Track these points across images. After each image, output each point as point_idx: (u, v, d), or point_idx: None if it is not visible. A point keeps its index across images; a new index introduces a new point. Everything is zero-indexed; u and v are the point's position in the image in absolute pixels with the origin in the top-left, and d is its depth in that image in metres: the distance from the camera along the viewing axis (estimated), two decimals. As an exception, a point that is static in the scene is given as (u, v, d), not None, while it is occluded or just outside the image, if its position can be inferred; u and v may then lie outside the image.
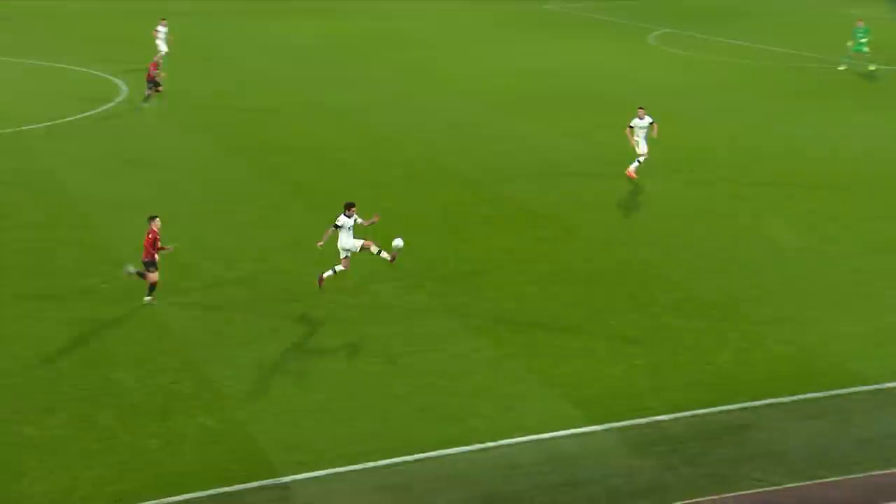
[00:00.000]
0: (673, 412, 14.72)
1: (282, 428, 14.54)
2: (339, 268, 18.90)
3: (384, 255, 18.83)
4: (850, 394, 15.10)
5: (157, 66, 34.52)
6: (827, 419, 14.52)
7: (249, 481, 13.23)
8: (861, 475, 13.11)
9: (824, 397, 15.04)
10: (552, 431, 14.36)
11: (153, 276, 18.46)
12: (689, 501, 12.70)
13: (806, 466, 13.36)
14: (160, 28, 40.96)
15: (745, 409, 14.81)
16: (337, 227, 18.69)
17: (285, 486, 13.22)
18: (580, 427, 14.47)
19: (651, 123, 25.31)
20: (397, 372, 16.22)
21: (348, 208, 18.74)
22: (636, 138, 25.40)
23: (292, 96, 36.62)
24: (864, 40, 38.89)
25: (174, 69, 37.88)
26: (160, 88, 34.12)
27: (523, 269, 20.19)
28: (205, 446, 14.05)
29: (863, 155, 27.69)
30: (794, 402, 14.93)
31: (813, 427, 14.32)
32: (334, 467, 13.57)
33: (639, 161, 25.37)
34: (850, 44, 39.82)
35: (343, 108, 35.07)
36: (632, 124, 25.56)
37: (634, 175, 25.30)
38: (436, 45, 48.65)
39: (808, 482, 12.99)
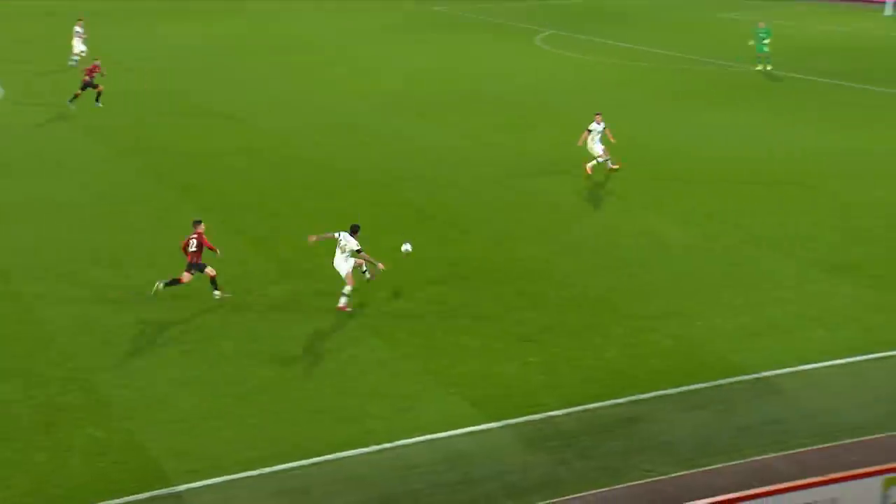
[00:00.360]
0: (566, 407, 14.97)
1: (173, 436, 14.23)
2: (347, 288, 18.24)
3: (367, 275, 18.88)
4: (731, 384, 15.62)
5: (97, 68, 33.46)
6: (710, 409, 14.99)
7: (141, 492, 12.91)
8: (741, 461, 13.60)
9: (708, 388, 15.52)
10: (448, 430, 14.44)
11: (187, 276, 18.44)
12: (582, 494, 12.96)
13: (691, 455, 13.78)
14: (77, 28, 40.27)
15: (635, 402, 15.17)
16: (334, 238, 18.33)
17: (178, 495, 12.95)
18: (476, 425, 14.59)
19: (606, 128, 26.15)
20: (292, 375, 16.06)
21: (355, 231, 18.38)
22: (591, 143, 26.10)
23: (179, 98, 35.88)
24: (766, 41, 40.32)
25: (60, 71, 36.68)
26: (99, 88, 33.21)
27: (417, 269, 20.24)
28: (93, 458, 13.65)
29: (741, 153, 28.67)
30: (680, 393, 15.37)
31: (698, 417, 14.77)
32: (229, 474, 13.36)
33: (598, 161, 26.10)
34: (751, 43, 41.21)
35: (231, 111, 34.53)
36: (590, 128, 26.30)
37: (590, 171, 26.08)
38: (324, 48, 48.36)
39: (693, 470, 13.40)
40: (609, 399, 15.23)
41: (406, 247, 19.10)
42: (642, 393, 15.38)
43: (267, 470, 13.46)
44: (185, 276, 18.55)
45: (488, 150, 29.50)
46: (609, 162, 26.38)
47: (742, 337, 17.18)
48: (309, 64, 43.69)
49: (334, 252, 18.44)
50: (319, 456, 13.80)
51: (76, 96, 33.36)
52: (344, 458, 13.82)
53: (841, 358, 16.29)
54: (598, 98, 36.54)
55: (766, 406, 15.01)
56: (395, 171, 27.32)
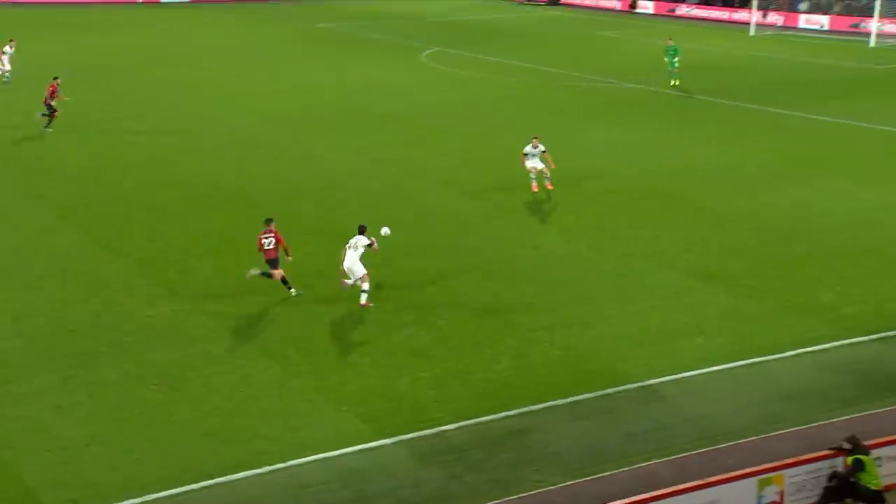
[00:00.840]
0: (457, 421, 15.05)
1: (54, 466, 13.71)
2: (365, 285, 19.12)
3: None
4: (617, 392, 15.98)
5: (55, 88, 32.41)
6: (597, 418, 15.30)
7: (21, 525, 12.40)
8: (627, 468, 13.92)
9: (595, 397, 15.84)
10: (340, 448, 14.34)
11: (278, 273, 19.32)
12: (474, 507, 13.05)
13: (579, 465, 14.02)
14: (7, 48, 40.72)
15: (525, 413, 15.36)
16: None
17: (61, 526, 12.49)
18: (368, 442, 14.52)
19: (543, 152, 25.99)
20: (179, 398, 15.69)
21: (363, 231, 19.49)
22: (530, 164, 26.02)
23: (63, 115, 34.69)
24: (676, 59, 41.63)
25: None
26: (55, 113, 32.35)
27: (309, 286, 20.07)
28: (-30, 491, 13.06)
29: (623, 168, 29.41)
30: (568, 404, 15.63)
31: (585, 426, 15.05)
32: (112, 502, 12.95)
33: (546, 177, 26.02)
34: (665, 60, 42.53)
35: (114, 127, 33.61)
36: (525, 151, 26.16)
37: (551, 186, 26.09)
38: (211, 63, 47.62)
39: (581, 479, 13.65)
40: (500, 412, 15.38)
41: (385, 230, 19.87)
42: (532, 404, 15.58)
43: (153, 496, 13.09)
44: (276, 273, 19.30)
45: (378, 166, 29.52)
46: (547, 181, 26.18)
47: (626, 346, 17.60)
48: (197, 79, 42.92)
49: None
50: (210, 479, 13.51)
51: (45, 116, 32.35)
52: (235, 480, 13.57)
53: (718, 364, 16.86)
54: (485, 114, 37.02)
55: (650, 413, 15.41)
56: (287, 188, 27.06)
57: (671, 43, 42.85)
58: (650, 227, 23.93)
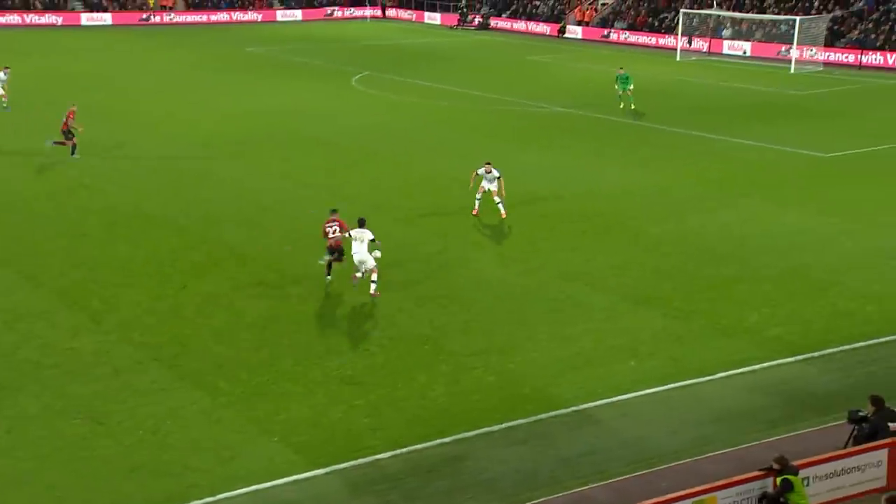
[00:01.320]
0: (392, 450, 14.94)
1: (-26, 505, 13.25)
2: (374, 275, 20.77)
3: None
4: (552, 417, 16.03)
5: (72, 115, 32.48)
6: (532, 443, 15.31)
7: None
8: (562, 493, 13.95)
9: (530, 423, 15.86)
10: (273, 480, 14.11)
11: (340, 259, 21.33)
12: (410, 537, 12.93)
13: (515, 490, 14.01)
14: (1, 75, 40.60)
15: (460, 440, 15.30)
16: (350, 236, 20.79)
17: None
18: (301, 473, 14.32)
19: (498, 178, 26.10)
20: (104, 432, 15.29)
21: (363, 223, 20.99)
22: (484, 186, 26.18)
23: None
24: (630, 87, 42.79)
25: None
26: (73, 139, 32.32)
27: (237, 315, 19.79)
28: None
29: (555, 191, 29.67)
30: (503, 429, 15.63)
31: (520, 452, 15.04)
32: (37, 542, 12.53)
33: (498, 202, 26.18)
34: (617, 87, 43.60)
35: (30, 153, 32.86)
36: (478, 172, 26.36)
37: (504, 214, 26.24)
38: (136, 89, 46.95)
39: (517, 506, 13.65)
40: (435, 439, 15.30)
41: (377, 253, 21.04)
42: (467, 431, 15.54)
43: (79, 534, 12.71)
44: (339, 259, 20.99)
45: (308, 191, 29.33)
46: (501, 207, 26.24)
47: (561, 370, 17.70)
48: (120, 104, 42.25)
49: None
50: (136, 515, 13.17)
51: (73, 146, 32.32)
52: (163, 515, 13.25)
53: (651, 387, 17.04)
54: (417, 138, 37.10)
55: (585, 437, 15.49)
56: (214, 214, 26.71)
57: (622, 72, 44.03)
58: (583, 250, 24.18)
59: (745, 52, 62.92)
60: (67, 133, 32.39)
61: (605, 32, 73.85)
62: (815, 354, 18.25)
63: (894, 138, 36.50)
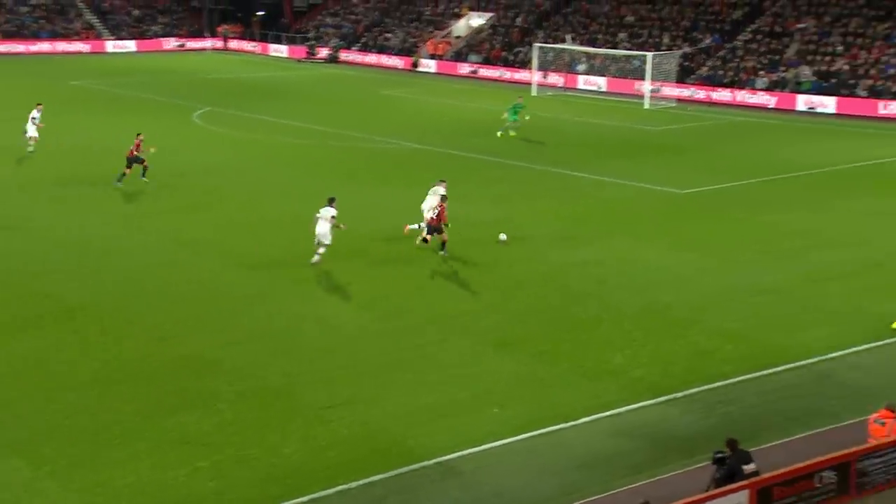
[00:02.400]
0: (241, 513, 14.58)
1: None
2: (323, 249, 25.20)
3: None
4: (413, 471, 15.98)
5: (139, 143, 34.31)
6: (393, 499, 15.21)
7: None
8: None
9: (390, 477, 15.75)
10: (109, 554, 13.51)
11: (444, 235, 26.35)
12: None
13: (377, 552, 13.88)
14: (35, 113, 39.63)
15: (315, 499, 15.05)
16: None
17: None
18: (141, 545, 13.78)
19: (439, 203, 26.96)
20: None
21: (332, 201, 25.63)
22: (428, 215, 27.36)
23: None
24: (526, 117, 45.92)
25: None
26: (143, 162, 34.31)
27: (64, 372, 18.97)
28: None
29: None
30: (361, 486, 15.47)
31: (381, 510, 14.95)
32: None
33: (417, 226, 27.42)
34: (505, 115, 46.02)
35: None
36: (435, 191, 27.96)
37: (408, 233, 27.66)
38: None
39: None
40: (288, 499, 15.01)
41: (502, 236, 26.58)
42: (323, 489, 15.31)
43: None
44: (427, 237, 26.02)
45: (145, 236, 28.53)
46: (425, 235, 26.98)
47: (420, 420, 17.70)
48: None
49: None
50: None
51: (124, 175, 33.94)
52: None
53: (515, 435, 17.23)
54: (264, 177, 36.71)
55: (448, 490, 15.50)
56: (34, 264, 25.61)
57: (520, 101, 47.00)
58: (442, 292, 24.36)
59: (600, 87, 65.29)
60: (132, 160, 34.16)
61: (459, 66, 75.30)
62: (678, 395, 18.90)
63: (746, 174, 38.49)
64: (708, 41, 64.76)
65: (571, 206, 33.30)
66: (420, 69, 76.88)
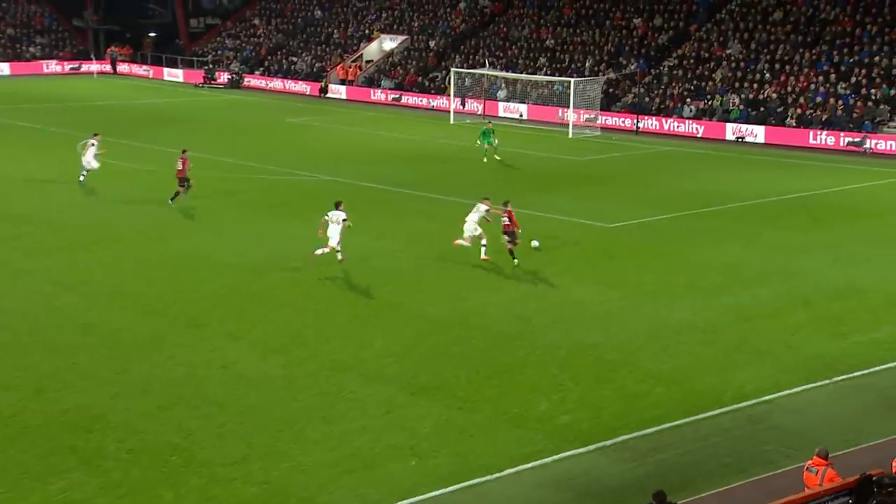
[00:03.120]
0: (132, 585, 14.09)
1: None
2: (328, 250, 28.98)
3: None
4: (324, 532, 15.70)
5: (186, 161, 37.09)
6: (302, 564, 14.91)
7: None
8: None
9: (298, 540, 15.46)
10: None
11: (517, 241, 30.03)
12: None
13: None
14: (93, 141, 40.73)
15: (215, 567, 14.68)
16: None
17: None
18: None
19: (487, 210, 30.72)
20: None
21: (339, 205, 29.26)
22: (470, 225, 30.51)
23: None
24: (496, 143, 48.91)
25: None
26: (190, 184, 37.17)
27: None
28: None
29: (317, 270, 29.62)
30: (266, 550, 15.14)
31: (289, 576, 14.61)
32: None
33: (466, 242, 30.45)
34: (479, 142, 48.85)
35: None
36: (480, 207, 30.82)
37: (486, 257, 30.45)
38: None
39: None
40: (185, 568, 14.59)
41: (535, 243, 30.23)
42: (224, 555, 14.93)
43: None
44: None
45: (23, 280, 27.75)
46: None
47: (331, 475, 17.41)
48: None
49: None
50: None
51: (177, 194, 36.85)
52: None
53: (435, 489, 17.03)
54: (157, 213, 36.10)
55: (362, 552, 15.23)
56: None
57: (490, 126, 49.71)
58: (355, 336, 24.15)
59: (521, 115, 66.07)
60: (183, 180, 37.00)
61: (372, 92, 75.51)
62: (608, 443, 18.95)
63: (674, 207, 39.19)
64: (633, 67, 66.08)
65: (494, 242, 33.42)
66: (329, 95, 76.92)
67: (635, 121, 61.24)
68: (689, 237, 34.46)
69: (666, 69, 65.59)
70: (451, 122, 62.83)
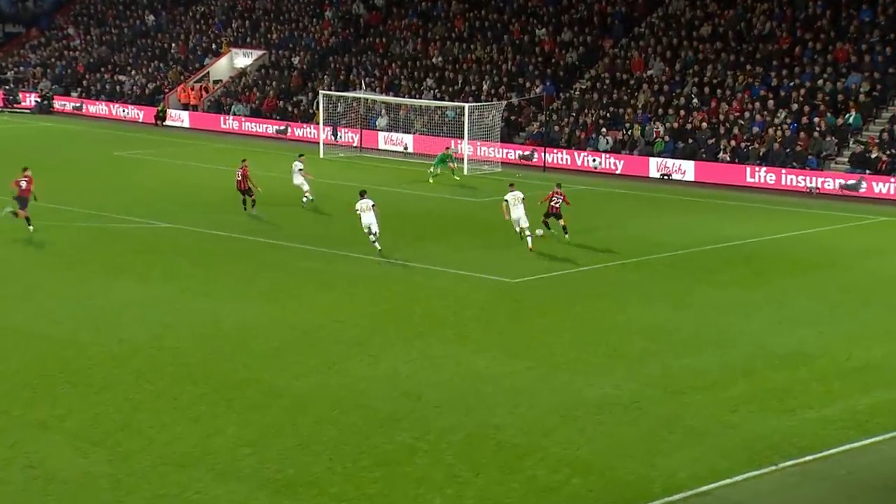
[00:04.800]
0: None
1: None
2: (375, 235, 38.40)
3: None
4: None
5: (245, 173, 44.95)
6: None
7: None
8: None
9: None
10: None
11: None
12: None
13: None
14: (298, 164, 48.43)
15: None
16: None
17: None
18: None
19: (523, 199, 40.47)
20: None
21: (364, 194, 38.81)
22: (514, 214, 39.99)
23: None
24: (449, 163, 55.78)
25: None
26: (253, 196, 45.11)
27: None
28: None
29: (165, 340, 29.21)
30: None
31: None
32: None
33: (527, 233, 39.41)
34: (432, 170, 54.82)
35: None
36: (506, 199, 40.16)
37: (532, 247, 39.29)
38: None
39: None
40: None
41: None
42: None
43: None
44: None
45: None
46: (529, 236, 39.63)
47: None
48: None
49: None
50: None
51: (253, 202, 45.22)
52: None
53: None
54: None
55: None
56: None
57: (448, 150, 57.10)
58: (203, 421, 23.86)
59: (406, 148, 66.58)
60: (246, 191, 44.92)
61: (221, 120, 75.20)
62: (516, 550, 19.03)
63: (590, 258, 39.83)
64: (539, 90, 67.14)
65: (374, 302, 33.47)
66: (169, 123, 76.35)
67: (542, 154, 62.23)
68: (609, 294, 35.05)
69: (577, 93, 66.90)
70: (322, 155, 62.92)
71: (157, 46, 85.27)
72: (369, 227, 37.93)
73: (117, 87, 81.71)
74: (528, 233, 39.62)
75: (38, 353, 27.88)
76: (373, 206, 37.88)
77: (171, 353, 28.19)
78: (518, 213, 39.85)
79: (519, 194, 40.21)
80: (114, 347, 28.31)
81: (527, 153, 63.15)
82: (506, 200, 40.20)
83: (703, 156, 59.13)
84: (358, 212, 38.11)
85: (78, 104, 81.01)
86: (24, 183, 40.45)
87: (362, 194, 38.59)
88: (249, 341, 29.17)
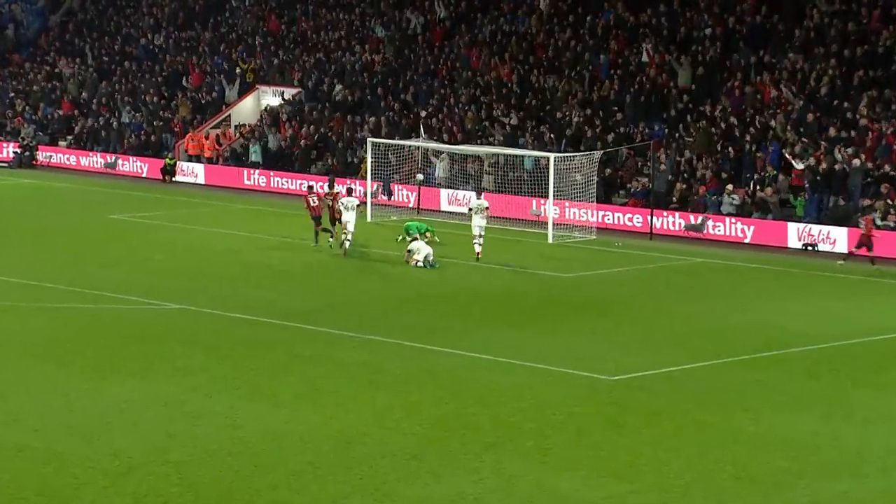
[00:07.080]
0: None
1: None
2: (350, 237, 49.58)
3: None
4: None
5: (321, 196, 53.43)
6: None
7: None
8: None
9: None
10: None
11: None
12: None
13: None
14: (353, 200, 51.96)
15: None
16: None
17: None
18: None
19: (486, 207, 49.57)
20: None
21: (350, 192, 49.27)
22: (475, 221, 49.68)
23: None
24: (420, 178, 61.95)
25: None
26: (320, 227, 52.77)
27: None
28: None
29: (185, 448, 29.33)
30: None
31: None
32: None
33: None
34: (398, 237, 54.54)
35: None
36: (470, 206, 48.12)
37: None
38: None
39: None
40: None
41: (419, 176, 57.29)
42: None
43: None
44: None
45: None
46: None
47: None
48: None
49: None
50: None
51: (330, 233, 52.73)
52: None
53: None
54: None
55: None
56: None
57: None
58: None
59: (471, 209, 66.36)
60: (317, 218, 52.40)
61: (243, 174, 75.20)
62: None
63: (709, 352, 39.34)
64: (644, 133, 66.50)
65: (433, 404, 33.29)
66: (178, 178, 76.73)
67: (649, 217, 61.53)
68: (737, 398, 34.59)
69: (691, 135, 65.63)
70: (370, 218, 62.89)
71: (159, 82, 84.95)
72: (346, 225, 49.41)
73: (115, 136, 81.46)
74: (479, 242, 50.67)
75: (11, 469, 27.99)
76: (357, 205, 50.05)
77: (176, 470, 28.21)
78: (479, 221, 51.45)
79: (484, 202, 52.14)
80: (105, 463, 28.35)
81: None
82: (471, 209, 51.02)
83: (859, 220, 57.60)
84: (343, 208, 50.08)
85: (66, 156, 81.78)
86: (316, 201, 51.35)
87: (349, 191, 51.36)
88: (276, 455, 29.13)
